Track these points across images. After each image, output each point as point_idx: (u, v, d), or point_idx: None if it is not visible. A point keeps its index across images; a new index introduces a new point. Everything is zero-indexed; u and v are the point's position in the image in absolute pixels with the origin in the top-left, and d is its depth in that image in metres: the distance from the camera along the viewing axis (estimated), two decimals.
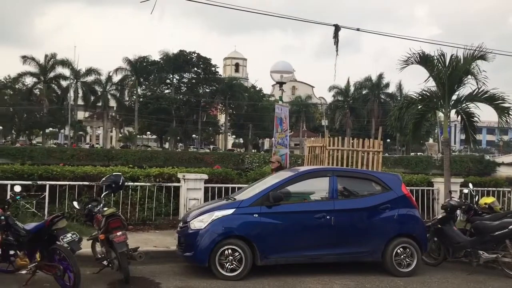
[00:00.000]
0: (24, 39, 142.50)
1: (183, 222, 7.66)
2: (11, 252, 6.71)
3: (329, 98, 79.64)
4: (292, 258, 7.38)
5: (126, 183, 9.07)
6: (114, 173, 8.66)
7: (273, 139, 12.52)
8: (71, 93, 64.42)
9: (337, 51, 11.32)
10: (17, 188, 7.28)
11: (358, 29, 12.07)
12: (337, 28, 11.32)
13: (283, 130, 11.05)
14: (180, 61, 68.06)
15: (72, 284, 6.04)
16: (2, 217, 6.57)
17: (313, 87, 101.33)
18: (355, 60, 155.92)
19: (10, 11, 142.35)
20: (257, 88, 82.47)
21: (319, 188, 7.97)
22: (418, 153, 67.95)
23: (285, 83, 11.33)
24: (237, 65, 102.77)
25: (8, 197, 8.71)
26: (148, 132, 75.08)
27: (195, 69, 71.88)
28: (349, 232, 7.59)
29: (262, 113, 71.50)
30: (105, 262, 6.94)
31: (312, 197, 8.12)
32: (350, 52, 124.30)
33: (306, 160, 12.55)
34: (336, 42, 11.37)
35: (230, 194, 9.75)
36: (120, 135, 79.11)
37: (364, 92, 71.22)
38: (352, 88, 71.55)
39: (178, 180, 10.84)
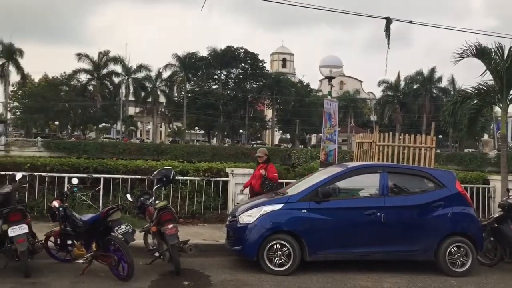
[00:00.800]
0: (79, 37, 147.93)
1: (232, 216, 7.74)
2: (69, 242, 7.03)
3: (378, 93, 77.98)
4: (341, 255, 7.31)
5: (176, 177, 9.27)
6: (165, 167, 8.88)
7: (321, 134, 12.40)
8: (123, 89, 66.43)
9: (388, 44, 11.06)
10: (75, 181, 7.58)
11: (410, 22, 11.76)
12: (388, 21, 11.07)
13: (332, 126, 10.93)
14: (228, 56, 68.61)
15: (126, 274, 6.24)
16: (61, 208, 6.88)
17: (361, 81, 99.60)
18: (406, 54, 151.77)
19: (66, 11, 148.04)
20: (304, 83, 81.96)
21: (369, 184, 7.85)
22: (471, 150, 65.47)
23: (334, 77, 11.19)
24: (284, 60, 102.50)
25: (66, 189, 9.11)
26: (196, 127, 76.23)
27: (243, 64, 72.25)
28: (400, 229, 7.42)
29: (309, 108, 71.03)
30: (156, 254, 7.11)
31: (362, 193, 8.00)
32: (401, 46, 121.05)
33: (355, 156, 12.38)
34: (388, 35, 11.11)
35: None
36: (169, 130, 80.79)
37: (415, 86, 69.24)
38: (402, 83, 69.79)
39: (227, 175, 10.96)
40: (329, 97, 11.70)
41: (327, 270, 7.16)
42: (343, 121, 69.51)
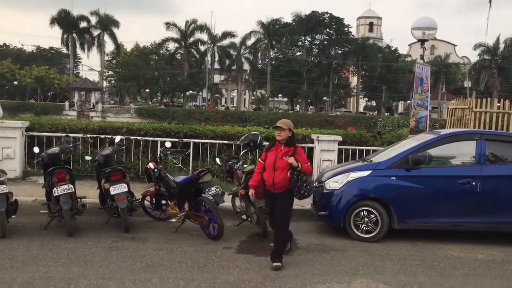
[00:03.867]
0: (167, 6, 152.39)
1: (318, 182, 7.73)
2: (163, 202, 7.45)
3: (473, 57, 72.93)
4: (431, 224, 7.07)
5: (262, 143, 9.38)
6: (252, 133, 9.02)
7: (409, 101, 11.89)
8: (208, 57, 67.91)
9: (490, 1, 10.21)
10: (168, 144, 7.94)
11: None
12: None
13: (423, 91, 10.42)
14: (312, 22, 67.33)
15: (216, 234, 6.50)
16: (156, 170, 7.28)
17: (454, 45, 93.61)
18: (507, 16, 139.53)
19: None
20: (392, 48, 78.58)
21: (463, 152, 7.45)
22: None
23: (427, 40, 10.58)
24: (371, 24, 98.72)
25: (159, 152, 9.59)
26: (280, 95, 76.36)
27: (327, 30, 70.65)
28: (498, 200, 7.00)
29: (397, 74, 68.28)
30: (244, 216, 7.32)
31: (454, 161, 7.61)
32: (501, 6, 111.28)
33: (448, 123, 11.77)
34: None
35: (364, 156, 9.57)
36: (253, 97, 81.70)
37: None
38: (502, 46, 64.52)
39: (312, 141, 10.91)
40: (421, 61, 11.13)
41: (417, 239, 6.98)
42: (433, 87, 66.01)
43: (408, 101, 57.51)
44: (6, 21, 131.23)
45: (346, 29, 72.14)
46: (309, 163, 5.80)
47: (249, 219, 7.16)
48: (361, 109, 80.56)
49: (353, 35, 77.05)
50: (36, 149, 7.48)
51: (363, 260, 6.02)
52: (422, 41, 10.69)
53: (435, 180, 7.07)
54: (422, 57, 11.35)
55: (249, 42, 67.69)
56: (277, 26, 68.12)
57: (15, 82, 70.41)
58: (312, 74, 69.32)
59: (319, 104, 77.14)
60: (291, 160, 5.53)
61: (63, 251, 5.76)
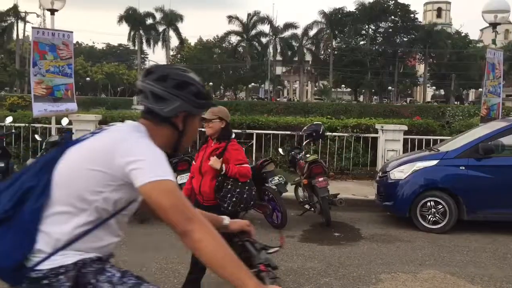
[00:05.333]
0: (230, 0, 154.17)
1: (382, 172, 7.61)
2: None
3: None
4: (503, 215, 6.78)
5: (325, 133, 9.35)
6: (314, 123, 9.02)
7: (481, 89, 11.37)
8: (270, 49, 68.07)
9: None
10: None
11: None
12: None
13: (495, 77, 9.92)
14: (376, 10, 65.60)
15: (280, 222, 6.60)
16: None
17: None
18: None
19: None
20: (462, 34, 74.99)
21: None
22: None
23: (499, 24, 10.06)
24: (439, 9, 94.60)
25: None
26: (343, 85, 75.22)
27: (392, 17, 68.62)
28: None
29: (467, 61, 65.12)
30: (307, 206, 7.37)
31: None
32: None
33: None
34: None
35: (431, 146, 9.29)
36: (315, 88, 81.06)
37: None
38: None
39: (376, 131, 10.72)
40: (493, 46, 10.59)
41: (487, 231, 6.71)
42: (507, 74, 62.42)
43: (480, 89, 54.78)
44: (78, 21, 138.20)
45: (412, 15, 69.67)
46: (245, 164, 4.26)
47: (312, 209, 7.20)
48: (428, 99, 77.67)
49: (419, 22, 74.30)
50: None
51: (429, 251, 5.89)
52: (494, 25, 10.17)
53: (507, 170, 6.75)
54: (494, 41, 10.80)
55: (311, 33, 67.26)
56: (339, 16, 67.03)
57: (88, 78, 74.13)
58: (376, 63, 67.63)
59: (384, 94, 75.24)
60: (212, 161, 4.13)
61: (134, 236, 6.06)
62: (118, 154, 1.70)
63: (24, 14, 65.17)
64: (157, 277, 4.74)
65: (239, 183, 4.21)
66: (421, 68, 74.31)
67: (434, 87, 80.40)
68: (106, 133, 1.81)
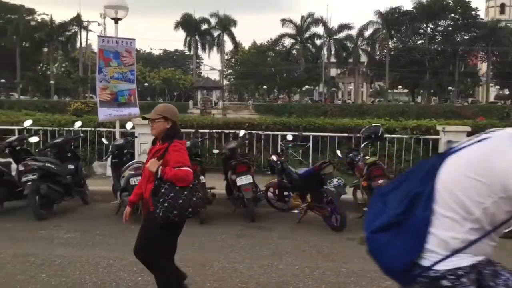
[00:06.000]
0: (283, 4, 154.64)
1: None
2: (286, 193, 7.68)
3: None
4: None
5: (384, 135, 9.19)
6: (373, 124, 8.90)
7: None
8: (324, 51, 67.67)
9: None
10: (289, 137, 8.16)
11: None
12: None
13: None
14: (435, 8, 63.61)
15: (339, 225, 6.56)
16: (278, 162, 7.53)
17: None
18: None
19: None
20: None
21: None
22: None
23: None
24: (502, 6, 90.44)
25: (280, 145, 9.88)
26: (399, 86, 73.42)
27: (452, 15, 66.30)
28: None
29: None
30: (366, 208, 7.26)
31: None
32: None
33: None
34: None
35: None
36: (371, 90, 79.61)
37: None
38: None
39: (437, 133, 10.42)
40: None
41: None
42: None
43: None
44: (136, 28, 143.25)
45: (473, 12, 67.00)
46: (185, 167, 3.72)
47: None
48: (491, 99, 74.30)
49: (481, 19, 71.30)
50: None
51: None
52: None
53: None
54: None
55: (366, 33, 66.20)
56: (396, 15, 65.55)
57: (146, 84, 76.58)
58: (435, 63, 65.53)
59: (443, 95, 72.71)
60: (150, 163, 3.80)
61: (196, 236, 6.24)
62: (499, 165, 1.69)
63: (86, 23, 68.27)
64: (220, 276, 4.85)
65: (176, 188, 3.69)
66: (483, 67, 71.25)
67: (497, 87, 76.84)
68: (487, 142, 1.80)
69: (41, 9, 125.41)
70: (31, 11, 68.60)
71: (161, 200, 3.68)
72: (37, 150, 8.87)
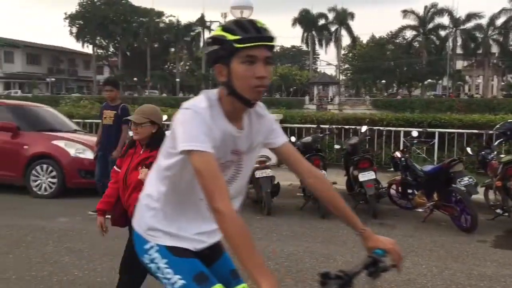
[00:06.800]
0: None
1: None
2: (409, 191, 7.46)
3: None
4: None
5: None
6: (509, 120, 8.27)
7: None
8: (450, 43, 63.63)
9: None
10: (415, 133, 7.92)
11: None
12: None
13: None
14: None
15: (469, 226, 6.21)
16: (403, 159, 7.35)
17: None
18: None
19: None
20: None
21: None
22: None
23: None
24: None
25: (402, 142, 9.60)
26: None
27: None
28: None
29: None
30: (499, 210, 6.81)
31: None
32: None
33: None
34: None
35: None
36: (503, 83, 73.05)
37: None
38: None
39: None
40: None
41: None
42: None
43: None
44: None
45: None
46: None
47: (506, 214, 6.63)
48: None
49: None
50: (292, 139, 8.34)
51: None
52: None
53: None
54: None
55: (498, 22, 60.82)
56: None
57: None
58: None
59: None
60: (143, 174, 3.24)
61: (318, 230, 6.35)
62: None
63: (209, 23, 71.72)
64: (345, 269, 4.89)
65: None
66: None
67: None
68: None
69: (168, 11, 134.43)
70: (160, 14, 73.89)
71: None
72: None
